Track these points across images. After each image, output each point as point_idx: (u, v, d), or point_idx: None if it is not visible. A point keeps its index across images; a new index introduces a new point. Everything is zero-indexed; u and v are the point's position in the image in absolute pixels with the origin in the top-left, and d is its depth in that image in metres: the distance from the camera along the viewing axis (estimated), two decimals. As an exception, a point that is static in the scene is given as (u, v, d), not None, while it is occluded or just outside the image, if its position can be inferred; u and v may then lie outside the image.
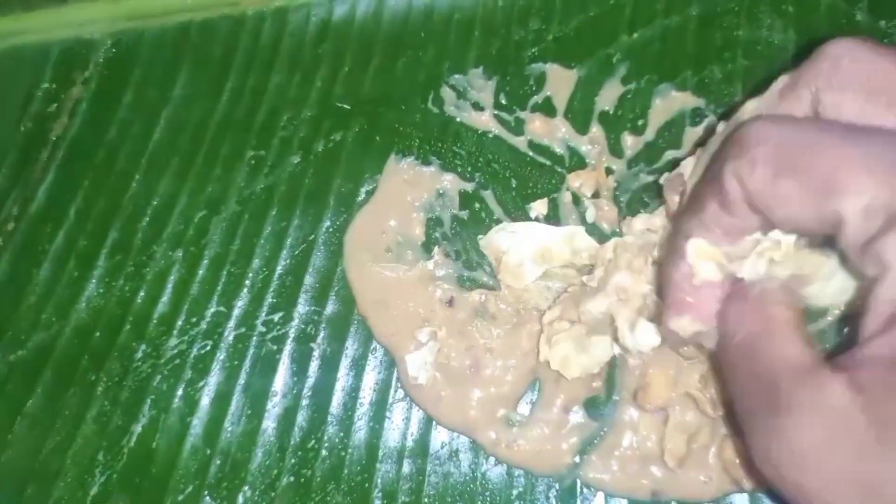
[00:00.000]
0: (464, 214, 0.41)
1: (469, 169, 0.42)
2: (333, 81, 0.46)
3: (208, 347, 0.40)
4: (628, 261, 0.35)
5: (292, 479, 0.37)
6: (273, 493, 0.37)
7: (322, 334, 0.40)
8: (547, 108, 0.43)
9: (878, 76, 0.27)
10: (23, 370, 0.41)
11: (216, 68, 0.48)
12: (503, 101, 0.44)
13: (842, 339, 0.36)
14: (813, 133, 0.25)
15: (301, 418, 0.38)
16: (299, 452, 0.38)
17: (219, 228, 0.43)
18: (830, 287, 0.30)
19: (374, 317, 0.40)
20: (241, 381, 0.40)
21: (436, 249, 0.41)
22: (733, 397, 0.28)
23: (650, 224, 0.37)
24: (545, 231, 0.39)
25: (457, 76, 0.45)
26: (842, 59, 0.28)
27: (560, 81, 0.44)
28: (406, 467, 0.37)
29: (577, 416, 0.37)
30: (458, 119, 0.44)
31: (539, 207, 0.41)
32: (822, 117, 0.28)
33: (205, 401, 0.39)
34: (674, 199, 0.35)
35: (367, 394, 0.39)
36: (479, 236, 0.41)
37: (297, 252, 0.42)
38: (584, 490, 0.36)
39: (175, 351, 0.41)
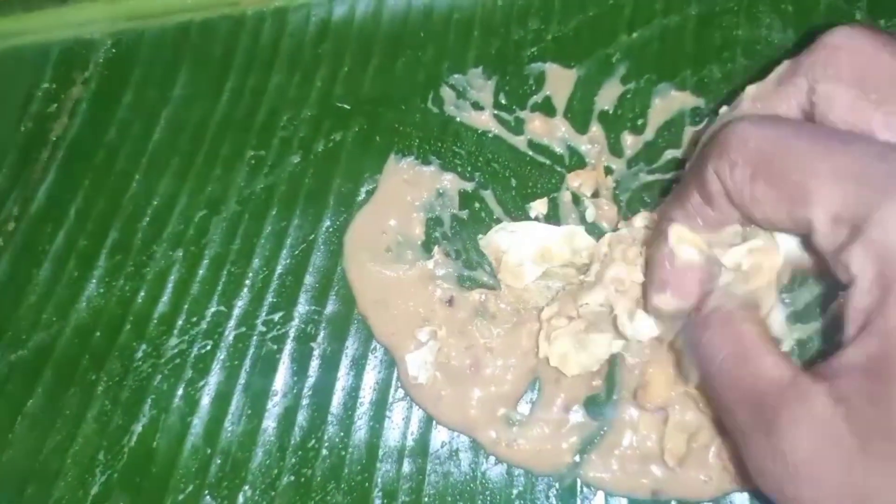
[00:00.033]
0: (464, 214, 0.41)
1: (469, 168, 0.42)
2: (333, 81, 0.46)
3: (209, 347, 0.40)
4: (623, 252, 0.35)
5: (292, 478, 0.37)
6: (273, 493, 0.37)
7: (322, 334, 0.40)
8: (546, 108, 0.43)
9: (873, 70, 0.27)
10: (23, 370, 0.41)
11: (216, 68, 0.48)
12: (503, 101, 0.44)
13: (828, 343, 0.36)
14: (790, 139, 0.26)
15: (301, 418, 0.38)
16: (299, 452, 0.38)
17: (219, 228, 0.43)
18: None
19: (374, 316, 0.40)
20: (242, 380, 0.40)
21: (436, 249, 0.41)
22: (724, 420, 0.28)
23: (651, 221, 0.37)
24: (545, 230, 0.39)
25: (456, 76, 0.45)
26: (840, 49, 0.28)
27: (559, 81, 0.44)
28: (406, 466, 0.37)
29: (577, 415, 0.37)
30: (458, 119, 0.44)
31: (539, 207, 0.41)
32: (817, 108, 0.28)
33: (205, 400, 0.39)
34: None
35: (367, 393, 0.39)
36: (479, 236, 0.41)
37: (297, 252, 0.42)
38: (585, 489, 0.36)
39: (175, 350, 0.41)
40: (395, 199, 0.42)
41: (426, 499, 0.36)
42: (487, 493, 0.36)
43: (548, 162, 0.42)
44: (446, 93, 0.44)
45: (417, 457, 0.37)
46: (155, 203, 0.44)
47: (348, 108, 0.45)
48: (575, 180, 0.41)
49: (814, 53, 0.29)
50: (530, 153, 0.42)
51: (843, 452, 0.23)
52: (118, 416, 0.40)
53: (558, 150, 0.42)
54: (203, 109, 0.47)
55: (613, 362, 0.37)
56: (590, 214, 0.40)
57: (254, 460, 0.38)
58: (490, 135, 0.43)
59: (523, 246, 0.39)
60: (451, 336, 0.38)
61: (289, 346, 0.40)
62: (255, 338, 0.40)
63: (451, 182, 0.42)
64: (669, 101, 0.42)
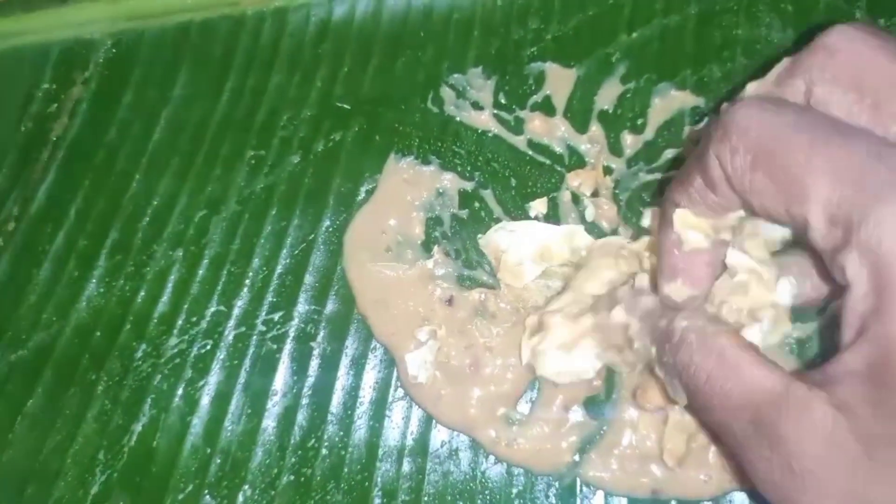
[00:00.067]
0: (463, 213, 0.41)
1: (469, 168, 0.42)
2: (333, 81, 0.46)
3: (208, 347, 0.40)
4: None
5: (292, 477, 0.37)
6: (273, 492, 0.37)
7: (322, 333, 0.40)
8: (546, 108, 0.43)
9: (870, 72, 0.27)
10: (23, 370, 0.41)
11: (216, 68, 0.48)
12: (502, 101, 0.44)
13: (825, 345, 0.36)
14: (792, 129, 0.26)
15: (301, 417, 0.38)
16: (299, 451, 0.38)
17: (219, 228, 0.43)
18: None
19: (373, 316, 0.40)
20: (242, 380, 0.40)
21: (435, 248, 0.41)
22: (721, 436, 0.28)
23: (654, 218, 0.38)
24: (545, 230, 0.39)
25: (456, 76, 0.45)
26: (838, 51, 0.28)
27: (559, 80, 0.44)
28: (406, 466, 0.37)
29: (577, 414, 0.37)
30: (458, 118, 0.44)
31: (538, 206, 0.41)
32: (814, 108, 0.28)
33: (205, 400, 0.39)
34: None
35: (366, 393, 0.39)
36: (479, 235, 0.41)
37: (296, 251, 0.42)
38: (584, 489, 0.36)
39: (175, 350, 0.41)
40: (394, 199, 0.42)
41: (426, 498, 0.36)
42: (487, 492, 0.36)
43: (547, 161, 0.42)
44: (446, 92, 0.44)
45: (417, 456, 0.37)
46: (155, 203, 0.44)
47: (348, 107, 0.45)
48: (574, 180, 0.41)
49: (811, 55, 0.28)
50: (530, 153, 0.42)
51: (848, 460, 0.23)
52: (118, 416, 0.40)
53: (558, 149, 0.42)
54: (203, 109, 0.47)
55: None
56: (589, 214, 0.40)
57: (253, 460, 0.38)
58: (490, 134, 0.43)
59: (523, 245, 0.39)
60: (451, 335, 0.38)
61: (288, 346, 0.40)
62: (254, 337, 0.40)
63: (450, 182, 0.42)
64: (669, 101, 0.42)
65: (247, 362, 0.40)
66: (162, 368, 0.40)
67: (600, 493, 0.36)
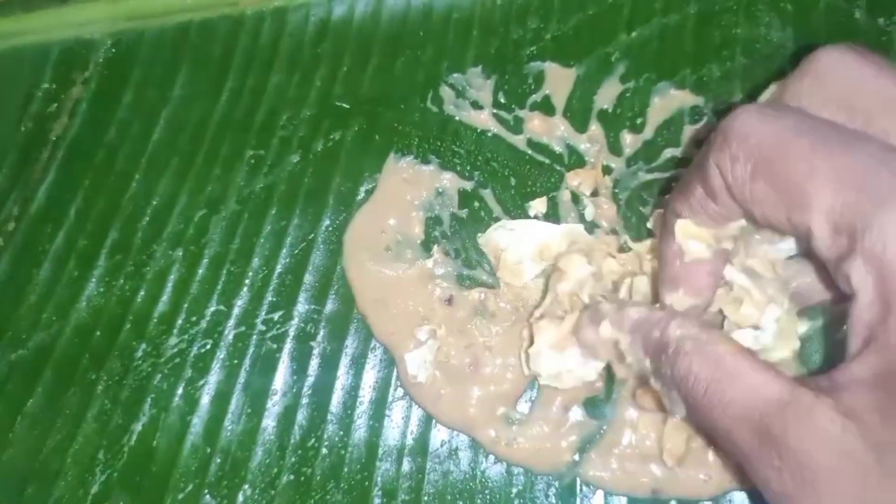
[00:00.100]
0: (463, 213, 0.41)
1: (468, 167, 0.42)
2: (332, 81, 0.46)
3: (208, 346, 0.40)
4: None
5: (292, 477, 0.37)
6: (273, 492, 0.37)
7: (322, 333, 0.40)
8: (546, 107, 0.43)
9: (858, 92, 0.27)
10: (23, 370, 0.41)
11: (215, 68, 0.48)
12: (502, 100, 0.44)
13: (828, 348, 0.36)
14: (792, 137, 0.25)
15: (301, 417, 0.38)
16: (299, 451, 0.38)
17: (218, 228, 0.43)
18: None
19: (373, 315, 0.40)
20: (241, 379, 0.40)
21: (435, 248, 0.41)
22: (724, 446, 0.27)
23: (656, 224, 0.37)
24: (544, 229, 0.39)
25: (455, 75, 0.45)
26: (826, 74, 0.28)
27: (559, 80, 0.44)
28: (406, 465, 0.37)
29: (577, 414, 0.37)
30: (457, 118, 0.44)
31: (538, 206, 0.41)
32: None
33: (205, 399, 0.39)
34: None
35: (366, 392, 0.39)
36: (479, 235, 0.41)
37: (296, 251, 0.42)
38: (584, 488, 0.36)
39: (175, 350, 0.41)
40: (394, 199, 0.42)
41: (426, 497, 0.36)
42: (487, 491, 0.36)
43: (547, 161, 0.42)
44: (445, 92, 0.44)
45: (417, 456, 0.37)
46: (155, 203, 0.44)
47: (347, 107, 0.45)
48: (574, 179, 0.41)
49: (799, 80, 0.28)
50: (529, 152, 0.42)
51: (859, 468, 0.23)
52: (118, 416, 0.40)
53: (557, 148, 0.42)
54: (203, 109, 0.47)
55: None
56: (589, 213, 0.40)
57: (253, 459, 0.38)
58: (489, 134, 0.43)
59: (522, 244, 0.39)
60: (451, 335, 0.38)
61: (288, 345, 0.40)
62: (254, 337, 0.40)
63: (450, 181, 0.42)
64: (668, 100, 0.42)
65: (247, 362, 0.40)
66: (162, 368, 0.40)
67: (600, 493, 0.36)
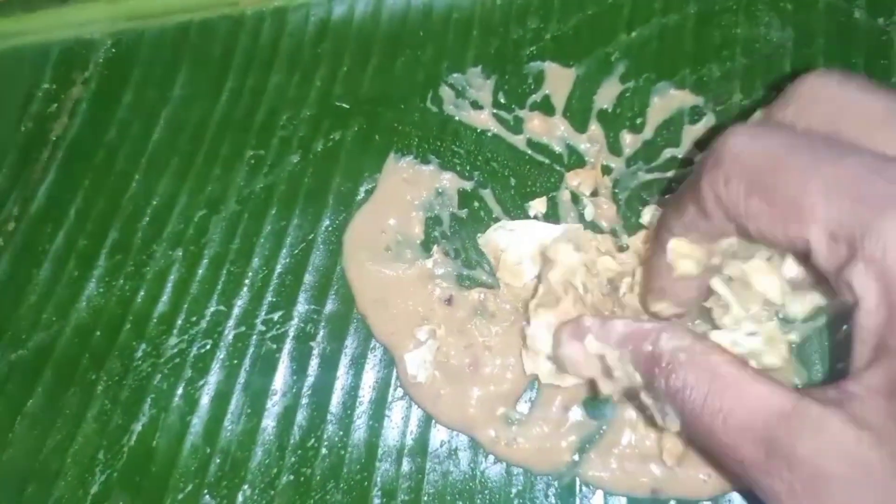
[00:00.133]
0: (463, 213, 0.41)
1: (468, 167, 0.42)
2: (332, 81, 0.46)
3: (208, 346, 0.40)
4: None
5: (292, 477, 0.37)
6: (273, 492, 0.37)
7: (321, 333, 0.40)
8: (545, 107, 0.43)
9: (844, 114, 0.27)
10: (23, 370, 0.42)
11: (215, 68, 0.48)
12: (502, 100, 0.44)
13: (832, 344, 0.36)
14: (784, 153, 0.25)
15: (301, 417, 0.38)
16: (299, 451, 0.38)
17: (218, 228, 0.43)
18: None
19: (373, 315, 0.40)
20: (241, 379, 0.40)
21: (435, 248, 0.41)
22: (726, 461, 0.26)
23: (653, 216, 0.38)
24: (544, 229, 0.39)
25: (455, 75, 0.45)
26: (809, 100, 0.28)
27: (558, 80, 0.44)
28: (405, 466, 0.37)
29: (576, 414, 0.36)
30: (457, 118, 0.44)
31: (538, 206, 0.41)
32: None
33: (205, 399, 0.39)
34: None
35: (366, 392, 0.39)
36: (478, 235, 0.41)
37: (296, 251, 0.42)
38: (584, 488, 0.36)
39: (175, 350, 0.41)
40: (394, 199, 0.42)
41: (425, 497, 0.36)
42: (486, 491, 0.36)
43: (547, 161, 0.42)
44: (445, 92, 0.44)
45: (417, 456, 0.37)
46: (154, 203, 0.45)
47: (347, 107, 0.45)
48: (574, 179, 0.41)
49: (783, 109, 0.28)
50: (529, 152, 0.42)
51: (877, 478, 0.23)
52: (118, 416, 0.40)
53: (557, 148, 0.42)
54: (202, 109, 0.47)
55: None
56: (589, 213, 0.40)
57: (253, 459, 0.38)
58: (489, 134, 0.43)
59: (522, 244, 0.39)
60: (451, 335, 0.38)
61: (288, 346, 0.40)
62: (254, 337, 0.40)
63: (450, 181, 0.42)
64: (668, 100, 0.42)
65: (246, 362, 0.40)
66: (162, 368, 0.40)
67: (599, 493, 0.36)
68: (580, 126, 0.42)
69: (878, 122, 0.26)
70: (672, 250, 0.30)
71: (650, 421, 0.35)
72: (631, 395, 0.30)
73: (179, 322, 0.41)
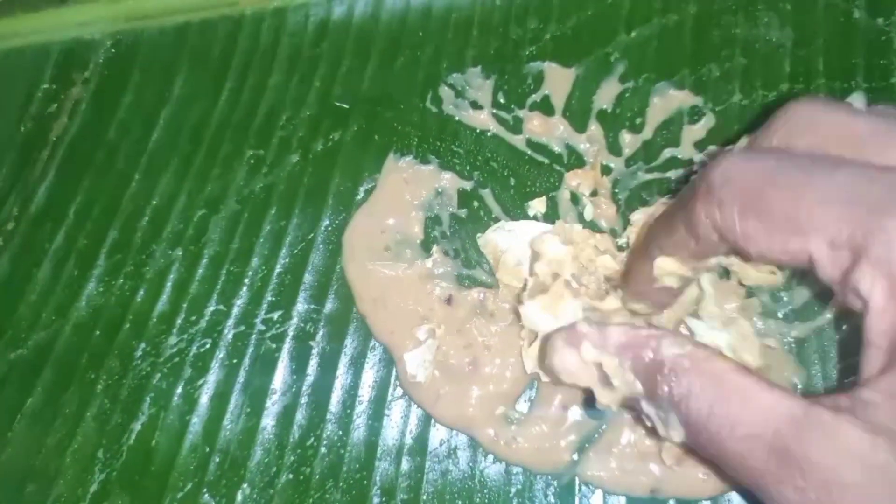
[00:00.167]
0: (462, 213, 0.41)
1: (467, 167, 0.42)
2: (332, 81, 0.46)
3: (208, 346, 0.41)
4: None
5: (291, 476, 0.37)
6: (272, 491, 0.37)
7: (321, 332, 0.40)
8: (545, 107, 0.43)
9: (828, 141, 0.27)
10: (23, 369, 0.42)
11: (215, 68, 0.48)
12: (501, 100, 0.44)
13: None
14: (775, 171, 0.25)
15: (300, 416, 0.38)
16: (298, 450, 0.38)
17: (218, 227, 0.43)
18: None
19: (372, 315, 0.40)
20: (241, 379, 0.40)
21: (434, 248, 0.41)
22: (735, 471, 0.26)
23: (650, 216, 0.38)
24: (543, 229, 0.39)
25: (455, 75, 0.45)
26: (794, 129, 0.28)
27: (558, 80, 0.44)
28: (405, 465, 0.37)
29: (576, 413, 0.36)
30: (457, 118, 0.44)
31: (537, 206, 0.41)
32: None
33: (204, 399, 0.39)
34: None
35: (365, 392, 0.39)
36: (478, 235, 0.41)
37: (296, 251, 0.42)
38: (583, 487, 0.36)
39: (174, 349, 0.41)
40: (393, 198, 0.42)
41: (424, 497, 0.36)
42: (486, 491, 0.36)
43: (546, 161, 0.42)
44: (445, 92, 0.45)
45: (416, 455, 0.37)
46: (154, 202, 0.45)
47: (347, 107, 0.45)
48: (573, 179, 0.41)
49: (769, 136, 0.28)
50: (529, 152, 0.42)
51: (893, 485, 0.22)
52: (117, 415, 0.40)
53: (557, 148, 0.42)
54: (202, 109, 0.47)
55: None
56: (588, 213, 0.40)
57: (252, 458, 0.38)
58: (489, 134, 0.43)
59: (521, 245, 0.39)
60: (450, 334, 0.38)
61: (288, 345, 0.40)
62: (254, 336, 0.40)
63: (449, 181, 0.42)
64: (668, 100, 0.42)
65: (246, 361, 0.40)
66: (161, 367, 0.40)
67: (599, 492, 0.35)
68: (580, 126, 0.43)
69: (864, 142, 0.26)
70: (658, 267, 0.30)
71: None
72: (630, 405, 0.30)
73: (179, 321, 0.41)
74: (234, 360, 0.40)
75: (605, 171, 0.41)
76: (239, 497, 0.37)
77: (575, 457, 0.36)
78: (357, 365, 0.39)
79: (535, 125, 0.43)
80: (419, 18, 0.47)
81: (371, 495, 0.37)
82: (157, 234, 0.44)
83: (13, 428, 0.40)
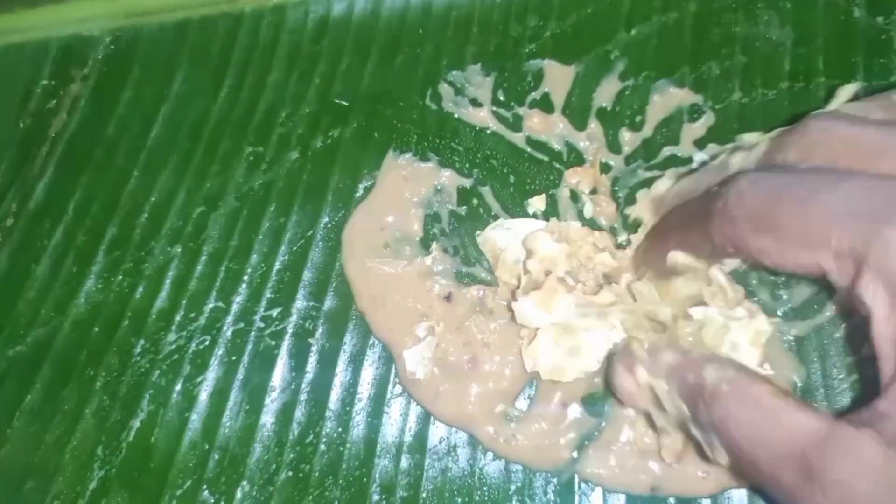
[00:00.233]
0: (462, 210, 0.41)
1: (467, 165, 0.42)
2: (331, 78, 0.46)
3: (207, 343, 0.40)
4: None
5: (290, 473, 0.37)
6: (271, 488, 0.37)
7: (320, 330, 0.40)
8: (545, 105, 0.43)
9: (841, 156, 0.28)
10: (21, 365, 0.41)
11: (214, 65, 0.48)
12: (501, 98, 0.44)
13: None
14: (783, 189, 0.27)
15: (299, 413, 0.38)
16: (297, 447, 0.38)
17: (217, 224, 0.43)
18: None
19: (372, 312, 0.40)
20: (240, 376, 0.40)
21: (434, 245, 0.41)
22: (772, 492, 0.27)
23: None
24: (541, 227, 0.39)
25: (455, 73, 0.45)
26: (811, 143, 0.29)
27: (558, 78, 0.44)
28: (404, 462, 0.37)
29: (575, 411, 0.36)
30: (457, 115, 0.44)
31: (537, 203, 0.41)
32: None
33: (203, 396, 0.39)
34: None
35: (365, 389, 0.39)
36: (477, 232, 0.41)
37: (295, 248, 0.42)
38: (582, 485, 0.36)
39: (173, 346, 0.41)
40: (393, 196, 0.42)
41: (424, 494, 0.36)
42: (485, 488, 0.36)
43: (546, 158, 0.42)
44: (444, 89, 0.44)
45: (415, 452, 0.37)
46: (153, 199, 0.45)
47: (346, 104, 0.45)
48: (573, 177, 0.41)
49: (784, 152, 0.29)
50: (528, 150, 0.42)
51: None
52: (116, 412, 0.40)
53: (556, 146, 0.42)
54: (201, 106, 0.47)
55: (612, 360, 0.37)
56: (588, 211, 0.40)
57: (252, 456, 0.38)
58: (488, 131, 0.43)
59: (520, 243, 0.39)
60: (449, 332, 0.38)
61: (287, 342, 0.40)
62: (253, 333, 0.40)
63: (449, 178, 0.42)
64: (668, 98, 0.42)
65: (245, 358, 0.40)
66: (160, 364, 0.40)
67: (598, 490, 0.35)
68: (579, 124, 0.42)
69: (877, 154, 0.27)
70: (673, 260, 0.32)
71: (649, 420, 0.35)
72: (685, 429, 0.31)
73: (178, 318, 0.41)
74: (234, 357, 0.40)
75: (605, 168, 0.41)
76: (238, 494, 0.37)
77: (574, 454, 0.36)
78: (356, 362, 0.39)
79: (535, 123, 0.43)
80: (419, 16, 0.47)
81: (370, 493, 0.37)
82: (157, 231, 0.44)
83: (12, 425, 0.40)
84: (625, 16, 0.45)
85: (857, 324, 0.29)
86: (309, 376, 0.39)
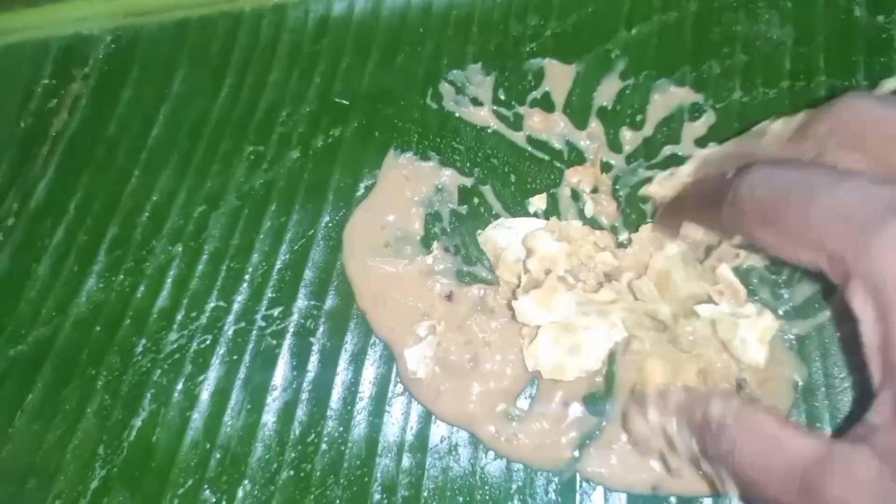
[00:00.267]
0: (463, 209, 0.41)
1: (468, 164, 0.42)
2: (332, 77, 0.46)
3: (208, 342, 0.40)
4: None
5: (292, 473, 0.37)
6: (273, 487, 0.37)
7: (321, 329, 0.40)
8: (546, 104, 0.43)
9: (871, 135, 0.29)
10: (23, 365, 0.42)
11: (215, 65, 0.48)
12: (502, 97, 0.44)
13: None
14: (787, 190, 0.28)
15: (301, 412, 0.38)
16: (299, 446, 0.38)
17: (218, 223, 0.43)
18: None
19: (373, 311, 0.40)
20: (241, 375, 0.40)
21: (435, 244, 0.41)
22: None
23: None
24: (541, 226, 0.39)
25: (455, 72, 0.45)
26: (844, 120, 0.30)
27: (558, 77, 0.44)
28: (405, 461, 0.37)
29: (577, 410, 0.36)
30: (457, 114, 0.44)
31: (538, 202, 0.41)
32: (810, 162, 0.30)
33: (204, 395, 0.39)
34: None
35: (366, 388, 0.39)
36: (478, 231, 0.41)
37: (296, 247, 0.42)
38: (584, 484, 0.36)
39: (175, 345, 0.41)
40: (394, 195, 0.42)
41: (425, 493, 0.36)
42: (487, 487, 0.36)
43: (547, 157, 0.42)
44: (445, 88, 0.44)
45: (417, 452, 0.37)
46: (154, 198, 0.45)
47: (347, 103, 0.45)
48: (574, 176, 0.41)
49: (818, 125, 0.30)
50: (529, 149, 0.42)
51: None
52: (118, 411, 0.40)
53: (557, 145, 0.42)
54: (202, 105, 0.47)
55: (613, 360, 0.37)
56: (588, 210, 0.40)
57: (253, 455, 0.38)
58: (489, 130, 0.43)
59: (521, 242, 0.39)
60: (450, 331, 0.38)
61: (288, 341, 0.40)
62: (254, 333, 0.40)
63: (450, 177, 0.42)
64: (668, 97, 0.42)
65: (246, 357, 0.40)
66: (161, 363, 0.40)
67: (600, 489, 0.36)
68: (580, 123, 0.43)
69: None
70: (685, 230, 0.34)
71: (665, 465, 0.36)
72: (697, 465, 0.31)
73: (179, 317, 0.41)
74: (235, 357, 0.40)
75: (606, 167, 0.41)
76: (240, 493, 0.37)
77: (576, 453, 0.36)
78: (357, 361, 0.39)
79: (536, 122, 0.43)
80: (419, 15, 0.47)
81: (372, 492, 0.37)
82: (158, 231, 0.44)
83: (14, 424, 0.40)
84: (625, 15, 0.45)
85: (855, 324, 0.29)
86: (310, 375, 0.39)
